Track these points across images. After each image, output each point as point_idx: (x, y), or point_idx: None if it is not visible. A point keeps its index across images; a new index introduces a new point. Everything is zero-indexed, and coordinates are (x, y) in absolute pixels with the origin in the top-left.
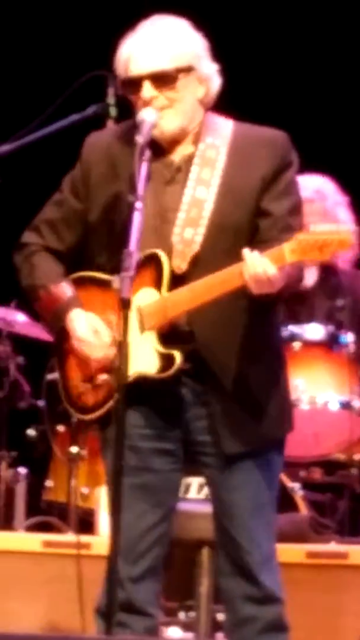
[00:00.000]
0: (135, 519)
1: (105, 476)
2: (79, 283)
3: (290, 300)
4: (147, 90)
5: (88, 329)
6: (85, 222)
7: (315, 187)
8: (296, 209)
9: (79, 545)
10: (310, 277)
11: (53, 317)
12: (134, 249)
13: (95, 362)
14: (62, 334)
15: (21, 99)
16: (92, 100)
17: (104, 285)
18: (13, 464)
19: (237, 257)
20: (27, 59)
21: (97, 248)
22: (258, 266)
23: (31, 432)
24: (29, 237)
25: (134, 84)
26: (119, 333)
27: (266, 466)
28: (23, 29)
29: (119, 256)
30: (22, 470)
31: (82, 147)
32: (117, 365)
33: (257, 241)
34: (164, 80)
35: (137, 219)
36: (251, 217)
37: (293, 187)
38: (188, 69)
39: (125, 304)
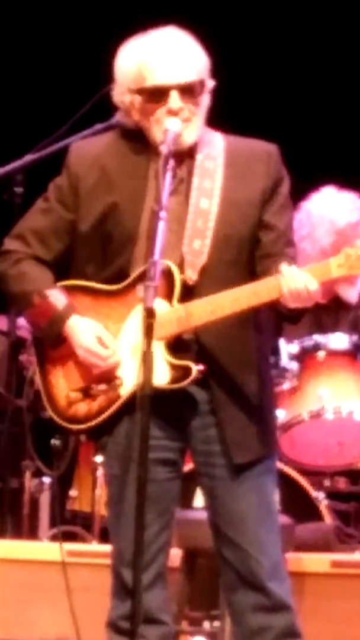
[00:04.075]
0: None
1: (107, 487)
2: (69, 291)
3: (315, 310)
4: (177, 100)
5: (92, 337)
6: (73, 232)
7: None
8: (291, 223)
9: (62, 554)
10: (354, 293)
11: (49, 324)
12: (159, 259)
13: (98, 370)
14: (54, 340)
15: (46, 108)
16: (114, 110)
17: (97, 294)
18: (37, 474)
19: (241, 269)
20: (51, 68)
21: (87, 258)
22: (299, 281)
23: (55, 441)
24: (13, 244)
25: (158, 93)
26: (127, 344)
27: (269, 473)
28: (44, 41)
29: (111, 267)
30: (46, 479)
31: (67, 156)
32: (117, 376)
33: (264, 255)
34: (190, 92)
35: (161, 228)
36: (253, 229)
37: (289, 200)
38: (206, 83)
39: (149, 314)
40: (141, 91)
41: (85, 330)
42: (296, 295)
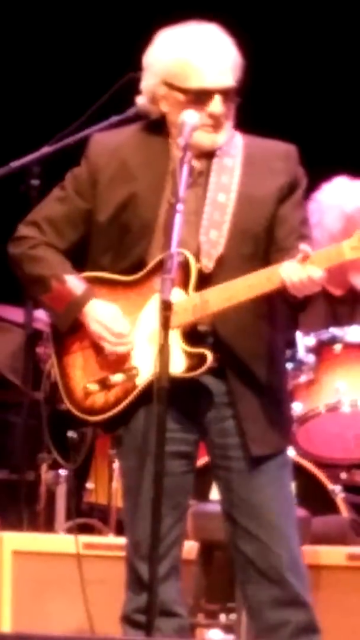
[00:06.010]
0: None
1: (122, 479)
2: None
3: (331, 303)
4: (219, 105)
5: (108, 314)
6: (89, 222)
7: None
8: (307, 220)
9: (77, 545)
10: None
11: (67, 308)
12: (176, 251)
13: (110, 347)
14: (71, 328)
15: (62, 100)
16: (130, 101)
17: (114, 285)
18: (54, 466)
19: (258, 263)
20: (69, 60)
21: (103, 249)
22: (301, 273)
23: (72, 434)
24: (27, 231)
25: (201, 95)
26: (143, 333)
27: (286, 466)
28: (62, 34)
29: (128, 258)
30: (63, 472)
31: (87, 147)
32: (133, 366)
33: (277, 249)
34: (229, 96)
35: (178, 220)
36: (268, 225)
37: (304, 200)
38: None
39: (166, 306)
40: (184, 90)
41: (102, 308)
42: (300, 286)
